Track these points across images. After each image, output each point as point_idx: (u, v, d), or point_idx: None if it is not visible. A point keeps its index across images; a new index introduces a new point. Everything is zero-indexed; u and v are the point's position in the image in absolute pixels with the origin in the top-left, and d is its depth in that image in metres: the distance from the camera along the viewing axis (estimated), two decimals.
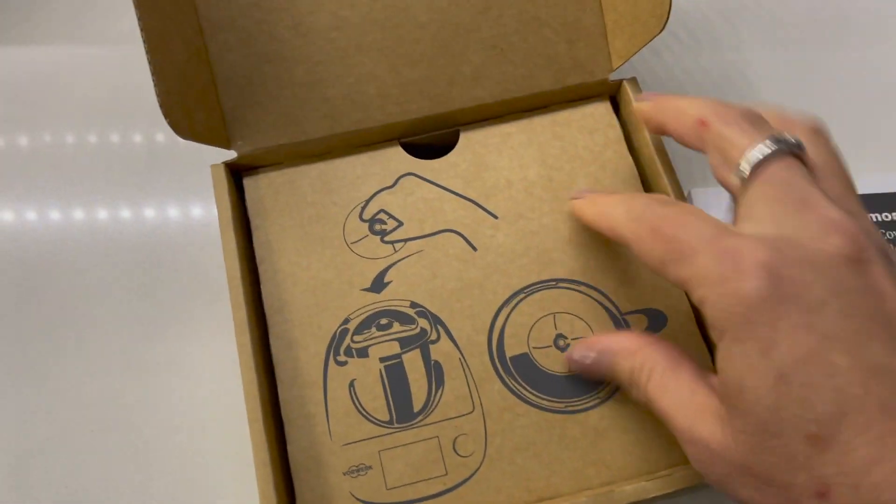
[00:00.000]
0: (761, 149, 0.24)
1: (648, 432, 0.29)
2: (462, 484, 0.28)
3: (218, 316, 0.35)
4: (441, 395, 0.29)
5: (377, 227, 0.32)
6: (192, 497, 0.33)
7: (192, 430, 0.34)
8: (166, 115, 0.28)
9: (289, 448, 0.28)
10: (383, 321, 0.31)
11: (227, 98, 0.32)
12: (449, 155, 0.34)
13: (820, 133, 0.26)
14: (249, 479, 0.27)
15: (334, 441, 0.29)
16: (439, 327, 0.30)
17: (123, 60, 0.42)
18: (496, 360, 0.30)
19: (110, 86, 0.42)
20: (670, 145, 0.33)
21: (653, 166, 0.32)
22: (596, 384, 0.30)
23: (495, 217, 0.33)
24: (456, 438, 0.29)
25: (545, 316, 0.31)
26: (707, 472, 0.24)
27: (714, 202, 0.36)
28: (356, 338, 0.30)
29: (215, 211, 0.31)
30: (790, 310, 0.21)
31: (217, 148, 0.32)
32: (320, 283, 0.31)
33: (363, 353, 0.30)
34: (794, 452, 0.21)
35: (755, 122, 0.25)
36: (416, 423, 0.29)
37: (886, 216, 0.37)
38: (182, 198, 0.39)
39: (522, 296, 0.31)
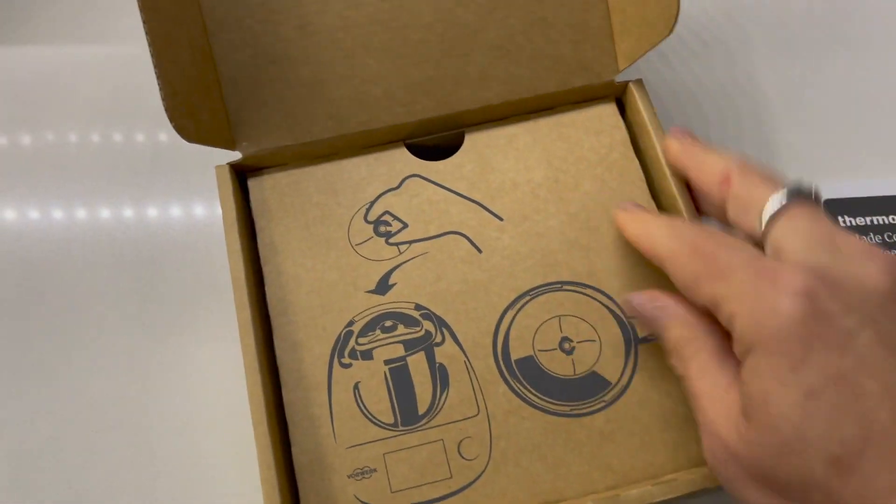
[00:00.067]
0: (782, 195, 0.25)
1: (654, 436, 0.29)
2: (467, 487, 0.28)
3: (222, 317, 0.35)
4: (446, 397, 0.29)
5: (382, 228, 0.32)
6: (196, 498, 0.33)
7: (196, 430, 0.34)
8: (171, 118, 0.28)
9: (293, 450, 0.28)
10: (388, 323, 0.30)
11: (231, 99, 0.32)
12: (454, 156, 0.34)
13: None
14: (254, 481, 0.27)
15: (339, 443, 0.29)
16: (444, 330, 0.30)
17: (126, 60, 0.42)
18: (501, 363, 0.30)
19: (113, 85, 0.42)
20: None
21: (659, 168, 0.32)
22: (600, 387, 0.30)
23: (500, 219, 0.32)
24: (461, 441, 0.29)
25: (550, 319, 0.31)
26: (718, 468, 0.24)
27: None
28: (361, 340, 0.30)
29: (219, 211, 0.31)
30: (825, 331, 0.21)
31: (221, 150, 0.31)
32: (325, 284, 0.31)
33: (368, 355, 0.30)
34: (812, 471, 0.21)
35: (774, 176, 0.26)
36: (420, 425, 0.29)
37: (894, 219, 0.37)
38: (186, 198, 0.39)
39: (528, 298, 0.31)
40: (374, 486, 0.28)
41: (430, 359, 0.30)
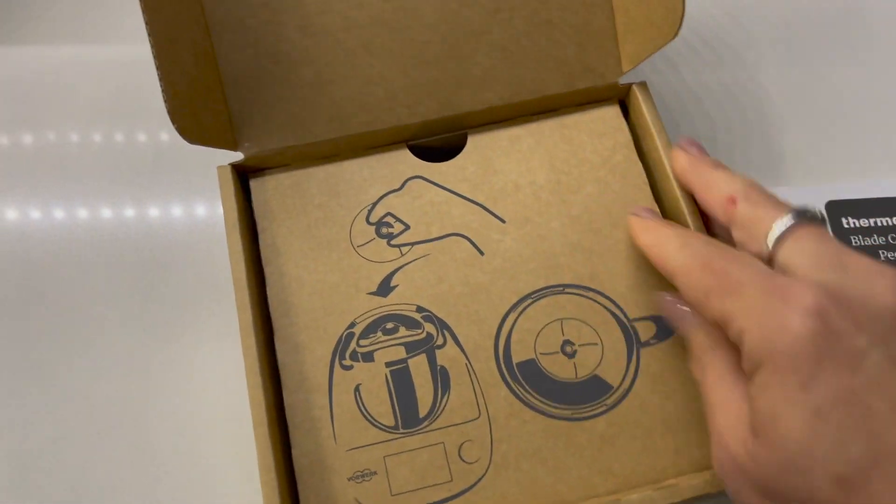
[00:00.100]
0: (788, 219, 0.25)
1: (656, 440, 0.29)
2: (467, 490, 0.28)
3: (224, 318, 0.35)
4: (447, 400, 0.29)
5: (384, 230, 0.32)
6: (197, 499, 0.33)
7: (197, 431, 0.34)
8: (174, 119, 0.27)
9: (293, 452, 0.28)
10: (389, 325, 0.30)
11: (234, 99, 0.32)
12: (457, 158, 0.34)
13: None
14: (255, 483, 0.27)
15: (339, 446, 0.29)
16: (446, 332, 0.30)
17: (128, 60, 0.42)
18: (503, 366, 0.30)
19: (115, 85, 0.42)
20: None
21: (662, 171, 0.32)
22: (602, 391, 0.29)
23: (503, 221, 0.32)
24: (461, 444, 0.29)
25: (552, 322, 0.31)
26: (726, 479, 0.24)
27: None
28: (362, 342, 0.30)
29: (221, 211, 0.31)
30: (836, 349, 0.21)
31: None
32: (326, 286, 0.31)
33: (369, 357, 0.30)
34: (818, 489, 0.21)
35: (780, 200, 0.27)
36: (421, 428, 0.29)
37: None
38: (187, 198, 0.39)
39: (529, 301, 0.31)
40: (374, 488, 0.28)
41: (432, 361, 0.30)
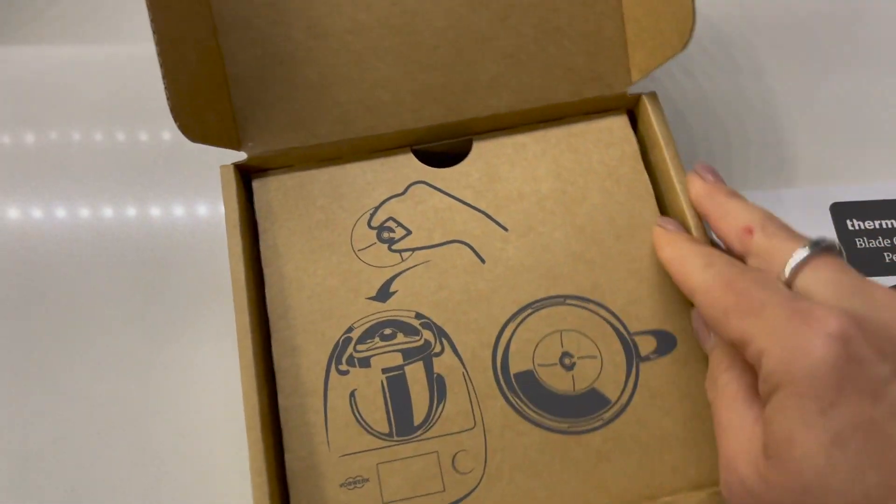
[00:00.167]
0: (806, 249, 0.25)
1: (652, 457, 0.28)
2: (460, 501, 0.28)
3: (224, 318, 0.34)
4: (442, 409, 0.29)
5: (385, 234, 0.32)
6: (197, 500, 0.33)
7: (198, 432, 0.34)
8: (176, 118, 0.27)
9: (286, 456, 0.28)
10: (387, 331, 0.30)
11: (238, 98, 0.32)
12: (461, 164, 0.33)
13: None
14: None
15: (332, 451, 0.28)
16: (444, 340, 0.30)
17: (129, 60, 0.42)
18: (500, 376, 0.30)
19: (117, 85, 0.42)
20: (686, 161, 0.32)
21: (669, 184, 0.32)
22: (600, 405, 0.29)
23: (505, 229, 0.32)
24: (456, 454, 0.28)
25: (552, 333, 0.30)
26: (732, 501, 0.24)
27: None
28: (359, 347, 0.30)
29: (222, 211, 0.31)
30: (857, 376, 0.21)
31: (225, 149, 0.31)
32: (325, 289, 0.31)
33: (365, 363, 0.30)
34: None
35: (797, 232, 0.26)
36: (415, 436, 0.29)
37: None
38: (189, 198, 0.39)
39: (529, 311, 0.31)
40: (365, 495, 0.28)
41: (429, 369, 0.30)
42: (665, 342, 0.30)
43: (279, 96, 0.32)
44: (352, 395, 0.29)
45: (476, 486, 0.28)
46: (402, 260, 0.31)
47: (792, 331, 0.22)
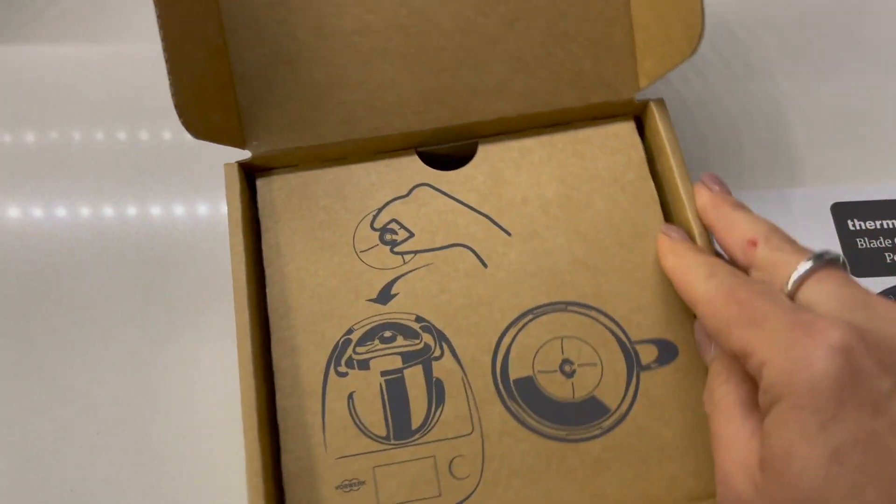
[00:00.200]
0: (810, 262, 0.25)
1: (650, 467, 0.28)
2: None
3: (225, 317, 0.34)
4: (441, 413, 0.29)
5: (388, 236, 0.32)
6: (197, 499, 0.33)
7: (199, 432, 0.34)
8: (181, 115, 0.27)
9: (282, 457, 0.28)
10: (387, 334, 0.30)
11: (244, 97, 0.32)
12: (466, 167, 0.33)
13: None
14: None
15: (329, 453, 0.28)
16: (444, 344, 0.30)
17: (130, 59, 0.42)
18: (499, 382, 0.29)
19: (118, 84, 0.42)
20: (691, 163, 0.32)
21: (675, 193, 0.32)
22: (599, 413, 0.29)
23: (508, 234, 0.32)
24: (452, 459, 0.28)
25: (553, 339, 0.30)
26: None
27: None
28: (359, 349, 0.30)
29: (224, 211, 0.31)
30: (859, 389, 0.21)
31: (226, 148, 0.31)
32: (326, 290, 0.31)
33: (365, 365, 0.30)
34: None
35: (801, 246, 0.26)
36: (413, 440, 0.28)
37: None
38: (190, 197, 0.39)
39: (531, 317, 0.30)
40: (361, 498, 0.28)
41: (428, 373, 0.29)
42: (666, 351, 0.30)
43: (285, 95, 0.32)
44: (350, 397, 0.29)
45: (472, 492, 0.28)
46: (404, 262, 0.31)
47: (794, 342, 0.22)
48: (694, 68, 0.43)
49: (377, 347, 0.30)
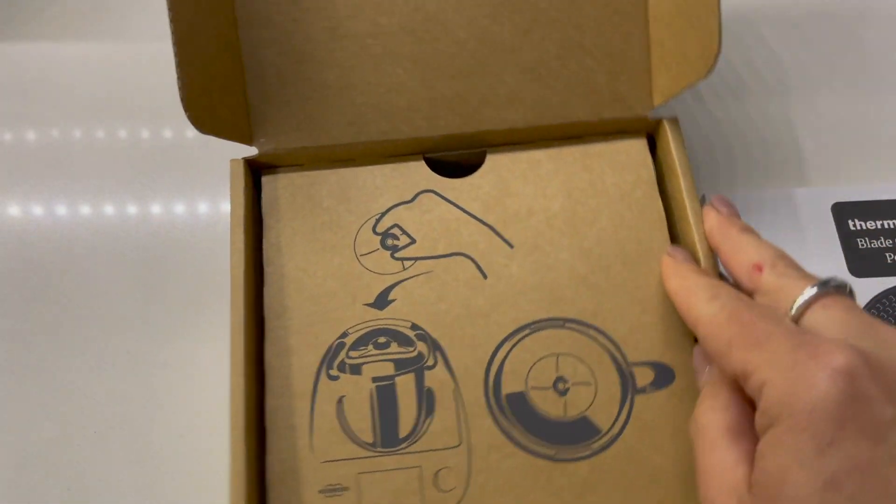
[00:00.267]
0: (816, 288, 0.24)
1: (638, 492, 0.28)
2: None
3: (225, 317, 0.34)
4: (429, 424, 0.29)
5: (389, 241, 0.32)
6: (196, 499, 0.33)
7: (198, 431, 0.34)
8: (187, 108, 0.27)
9: (268, 458, 0.28)
10: (381, 340, 0.30)
11: (254, 94, 0.32)
12: (472, 176, 0.33)
13: None
14: None
15: (315, 456, 0.28)
16: (437, 353, 0.30)
17: (133, 57, 0.42)
18: (491, 396, 0.29)
19: (118, 83, 0.41)
20: (693, 155, 0.32)
21: (682, 214, 0.31)
22: (590, 434, 0.29)
23: (511, 246, 0.32)
24: (438, 471, 0.28)
25: (548, 356, 0.30)
26: None
27: None
28: (352, 353, 0.30)
29: (224, 210, 0.31)
30: (861, 416, 0.20)
31: (228, 147, 0.31)
32: (324, 292, 0.31)
33: (357, 370, 0.29)
34: None
35: (807, 272, 0.26)
36: (399, 449, 0.28)
37: None
38: (191, 196, 0.39)
39: (528, 332, 0.30)
40: None
41: (419, 382, 0.29)
42: (663, 375, 0.29)
43: (295, 94, 0.32)
44: (340, 401, 0.29)
45: None
46: (404, 269, 0.31)
47: (797, 363, 0.21)
48: (718, 107, 0.42)
49: (371, 353, 0.30)
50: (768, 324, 0.23)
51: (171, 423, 0.34)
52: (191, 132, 0.36)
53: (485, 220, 0.32)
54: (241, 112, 0.31)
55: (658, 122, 0.33)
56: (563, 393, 0.29)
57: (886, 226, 0.37)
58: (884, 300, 0.35)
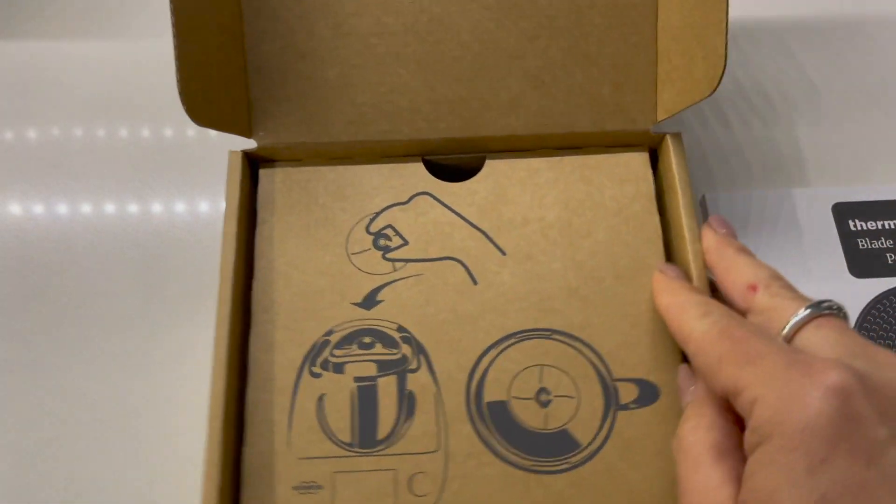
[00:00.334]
0: (810, 309, 0.24)
1: None
2: None
3: None
4: (408, 427, 0.29)
5: (381, 242, 0.32)
6: (195, 498, 0.33)
7: (196, 430, 0.33)
8: (184, 100, 0.27)
9: (244, 451, 0.28)
10: (366, 340, 0.30)
11: (256, 87, 0.32)
12: (470, 181, 0.33)
13: None
14: None
15: (291, 452, 0.28)
16: (421, 357, 0.30)
17: (134, 56, 0.41)
18: (472, 403, 0.29)
19: (119, 81, 0.41)
20: (687, 149, 0.32)
21: (679, 231, 0.31)
22: (569, 447, 0.28)
23: (503, 253, 0.31)
24: (413, 475, 0.28)
25: (532, 366, 0.30)
26: None
27: (726, 207, 0.37)
28: (336, 352, 0.30)
29: (223, 208, 0.30)
30: (854, 436, 0.20)
31: (230, 146, 0.31)
32: (312, 288, 0.31)
33: (340, 368, 0.29)
34: None
35: (801, 294, 0.26)
36: (376, 450, 0.28)
37: None
38: (190, 195, 0.39)
39: (514, 340, 0.30)
40: (316, 503, 0.27)
41: (401, 384, 0.29)
42: (648, 393, 0.29)
43: (297, 90, 0.32)
44: (321, 399, 0.29)
45: None
46: (394, 270, 0.31)
47: (790, 380, 0.21)
48: (725, 131, 0.42)
49: (354, 352, 0.30)
50: (761, 341, 0.23)
51: (169, 422, 0.34)
52: (192, 131, 0.36)
53: (479, 225, 0.32)
54: (242, 105, 0.32)
55: (661, 137, 0.33)
56: (545, 404, 0.29)
57: (887, 226, 0.36)
58: (884, 301, 0.35)
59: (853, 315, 0.34)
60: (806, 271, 0.35)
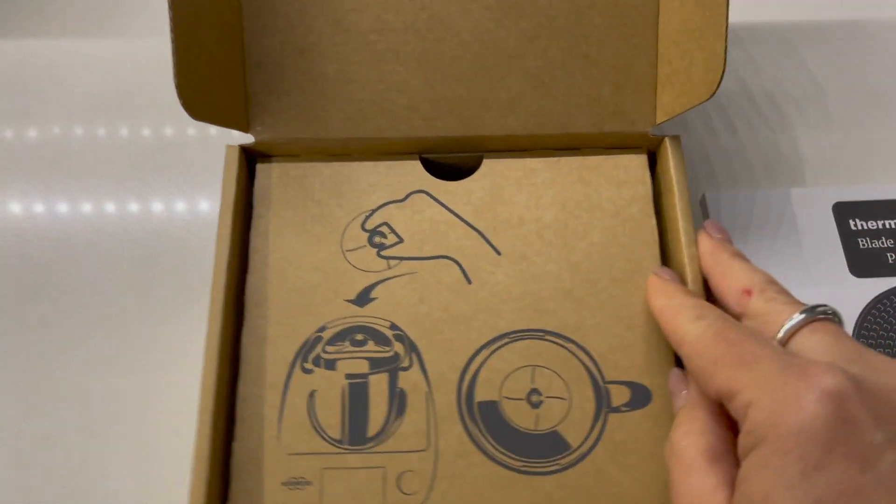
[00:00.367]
0: (804, 314, 0.24)
1: None
2: None
3: None
4: (399, 425, 0.28)
5: (377, 239, 0.32)
6: (185, 492, 0.33)
7: (193, 430, 0.34)
8: (180, 94, 0.27)
9: (234, 445, 0.28)
10: (359, 337, 0.30)
11: (254, 82, 0.32)
12: (466, 180, 0.33)
13: None
14: None
15: (281, 448, 0.28)
16: (414, 355, 0.29)
17: (134, 55, 0.42)
18: (463, 402, 0.29)
19: (119, 80, 0.41)
20: (687, 148, 0.32)
21: (675, 233, 0.31)
22: (559, 449, 0.28)
23: (498, 253, 0.31)
24: (402, 474, 0.28)
25: (525, 367, 0.29)
26: None
27: (726, 207, 0.36)
28: (328, 348, 0.30)
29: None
30: (849, 440, 0.20)
31: (230, 146, 0.31)
32: (306, 284, 0.31)
33: (331, 365, 0.29)
34: None
35: (795, 299, 0.26)
36: (366, 448, 0.28)
37: None
38: (190, 194, 0.39)
39: (506, 340, 0.30)
40: (305, 498, 0.27)
41: (393, 382, 0.29)
42: (640, 396, 0.29)
43: (295, 85, 0.32)
44: (311, 395, 0.29)
45: None
46: (389, 267, 0.31)
47: (785, 384, 0.21)
48: (726, 134, 0.42)
49: (347, 349, 0.30)
50: (756, 344, 0.23)
51: (168, 421, 0.34)
52: (192, 129, 0.36)
53: (475, 225, 0.32)
54: (240, 99, 0.32)
55: (660, 140, 0.32)
56: (537, 405, 0.29)
57: (887, 226, 0.36)
58: (884, 300, 0.34)
59: (854, 314, 0.34)
60: (806, 271, 0.35)
